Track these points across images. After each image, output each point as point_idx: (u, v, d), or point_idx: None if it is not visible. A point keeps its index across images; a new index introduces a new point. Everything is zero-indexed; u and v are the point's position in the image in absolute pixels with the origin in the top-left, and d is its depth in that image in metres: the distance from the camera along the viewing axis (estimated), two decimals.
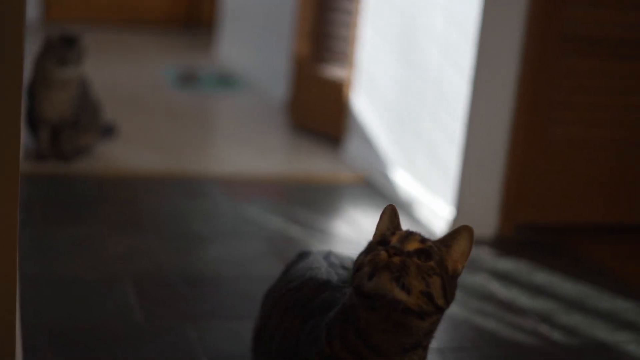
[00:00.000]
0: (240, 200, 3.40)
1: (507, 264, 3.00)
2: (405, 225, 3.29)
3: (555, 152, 3.27)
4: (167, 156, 3.88)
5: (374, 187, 3.69)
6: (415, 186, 3.41)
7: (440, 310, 1.56)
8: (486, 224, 3.23)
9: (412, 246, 1.56)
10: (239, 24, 5.99)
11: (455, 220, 3.17)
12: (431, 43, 3.33)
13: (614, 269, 3.04)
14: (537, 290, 2.80)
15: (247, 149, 4.14)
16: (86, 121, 3.67)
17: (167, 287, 2.57)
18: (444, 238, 1.62)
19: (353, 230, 3.19)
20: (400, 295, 1.50)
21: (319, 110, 4.41)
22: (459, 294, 2.67)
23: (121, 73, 5.46)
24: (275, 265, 2.80)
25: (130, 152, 3.87)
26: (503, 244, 3.19)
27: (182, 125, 4.45)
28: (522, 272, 2.94)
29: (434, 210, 3.26)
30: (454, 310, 2.60)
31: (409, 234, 1.61)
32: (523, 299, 2.73)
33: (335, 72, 4.30)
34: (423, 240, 1.58)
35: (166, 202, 3.30)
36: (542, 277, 2.91)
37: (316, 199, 3.52)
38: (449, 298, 1.57)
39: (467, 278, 2.84)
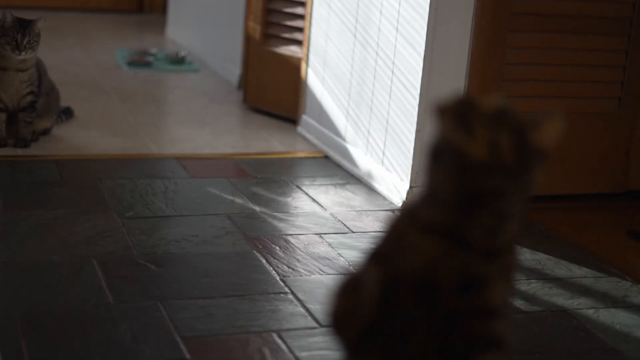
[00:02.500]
0: (201, 179, 3.42)
1: None
2: (364, 199, 3.33)
3: None
4: (125, 137, 3.88)
5: (330, 162, 3.73)
6: (372, 161, 3.46)
7: (507, 174, 1.44)
8: None
9: (489, 104, 1.48)
10: (189, 4, 5.97)
11: (410, 193, 3.22)
12: (385, 19, 3.37)
13: (567, 237, 3.11)
14: None
15: (204, 128, 4.15)
16: (43, 105, 3.66)
17: (135, 268, 2.58)
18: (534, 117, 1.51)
19: (313, 205, 3.23)
20: (461, 140, 1.43)
21: (274, 89, 4.43)
22: None
23: (74, 56, 5.43)
24: (240, 242, 2.83)
25: (87, 134, 3.87)
26: None
27: (137, 106, 4.44)
28: None
29: (391, 184, 3.31)
30: None
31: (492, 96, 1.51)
32: None
33: (288, 50, 4.32)
34: (502, 103, 1.48)
35: (127, 183, 3.31)
36: None
37: (274, 175, 3.55)
38: (522, 160, 1.45)
39: None
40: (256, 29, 4.45)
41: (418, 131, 3.20)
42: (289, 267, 2.67)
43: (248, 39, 4.55)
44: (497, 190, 1.45)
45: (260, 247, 2.81)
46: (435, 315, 1.51)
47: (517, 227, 1.53)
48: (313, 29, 3.98)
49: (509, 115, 1.46)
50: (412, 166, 3.23)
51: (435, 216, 1.49)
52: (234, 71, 5.01)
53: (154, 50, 5.62)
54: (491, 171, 1.43)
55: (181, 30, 6.10)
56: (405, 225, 1.55)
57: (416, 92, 3.18)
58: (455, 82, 3.21)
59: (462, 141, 1.42)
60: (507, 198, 1.47)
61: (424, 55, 3.14)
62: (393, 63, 3.32)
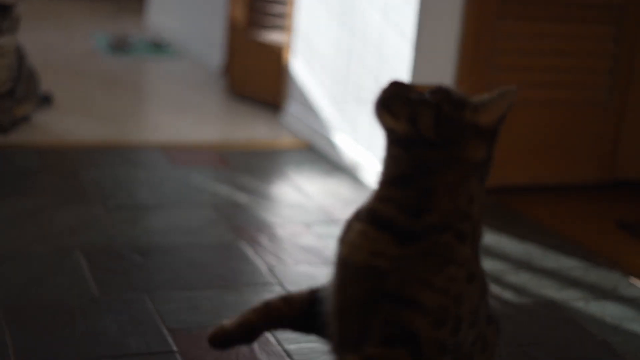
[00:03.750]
0: (183, 168, 3.38)
1: None
2: (350, 188, 3.30)
3: None
4: (105, 124, 3.83)
5: (315, 151, 3.70)
6: (358, 150, 3.43)
7: (428, 144, 1.51)
8: None
9: (424, 88, 1.57)
10: None
11: None
12: (371, 6, 3.33)
13: (556, 228, 3.10)
14: (483, 251, 2.83)
15: (186, 115, 4.10)
16: (23, 91, 3.59)
17: (119, 259, 2.54)
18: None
19: (298, 195, 3.19)
20: (388, 119, 1.53)
21: (257, 76, 4.39)
22: None
23: (52, 41, 5.36)
24: (225, 232, 2.79)
25: (68, 121, 3.82)
26: None
27: (117, 93, 4.39)
28: None
29: (378, 172, 3.28)
30: None
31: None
32: None
33: (272, 36, 4.28)
34: (441, 86, 1.57)
35: (109, 171, 3.26)
36: (487, 237, 2.95)
37: (259, 164, 3.51)
38: (444, 133, 1.52)
39: None
40: (241, 16, 4.40)
41: None
42: (275, 257, 2.63)
43: (232, 26, 4.51)
44: (421, 163, 1.52)
45: (246, 237, 2.77)
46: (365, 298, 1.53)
47: (453, 206, 1.53)
48: (298, 16, 3.94)
49: (437, 94, 1.53)
50: None
51: (368, 202, 1.60)
52: (215, 57, 4.96)
53: (133, 35, 5.56)
54: (414, 144, 1.51)
55: (161, 15, 6.04)
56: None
57: (404, 79, 3.15)
58: (444, 70, 3.18)
59: (389, 121, 1.53)
60: (433, 172, 1.52)
61: (413, 42, 3.11)
62: (380, 49, 3.29)
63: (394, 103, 1.53)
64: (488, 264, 2.74)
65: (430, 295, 1.47)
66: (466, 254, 1.52)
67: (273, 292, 2.41)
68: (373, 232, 1.53)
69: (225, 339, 1.81)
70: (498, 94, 1.56)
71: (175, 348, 2.07)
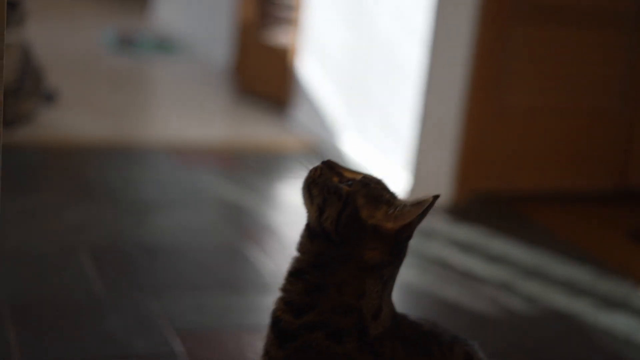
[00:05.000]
0: (189, 167, 3.35)
1: (463, 232, 3.01)
2: None
3: (509, 119, 3.29)
4: (111, 123, 3.81)
5: (322, 153, 3.67)
6: (367, 153, 3.40)
7: (327, 238, 1.47)
8: (441, 192, 3.22)
9: (350, 174, 1.52)
10: None
11: (412, 188, 3.17)
12: (383, 9, 3.31)
13: (567, 236, 3.07)
14: (494, 258, 2.82)
15: (193, 114, 4.08)
16: (29, 87, 3.57)
17: (125, 258, 2.51)
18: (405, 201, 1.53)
19: None
20: (306, 200, 1.50)
21: (264, 76, 4.37)
22: (418, 262, 2.69)
23: (58, 37, 5.33)
24: (230, 234, 2.77)
25: (74, 118, 3.79)
26: (458, 211, 3.20)
27: (123, 91, 4.36)
28: (479, 240, 2.95)
29: (387, 178, 3.25)
30: (415, 277, 2.60)
31: (367, 173, 1.55)
32: (481, 267, 2.74)
33: (280, 37, 4.26)
34: (367, 176, 1.52)
35: (115, 170, 3.24)
36: (498, 244, 2.93)
37: (265, 166, 3.49)
38: (342, 231, 1.46)
39: (425, 246, 2.85)
40: (250, 16, 4.38)
41: (418, 125, 3.14)
42: (280, 259, 2.61)
43: (241, 26, 4.48)
44: (318, 256, 1.50)
45: (252, 239, 2.75)
46: None
47: (337, 302, 1.48)
48: (308, 17, 3.92)
49: (355, 186, 1.49)
50: (411, 161, 3.17)
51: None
52: (222, 55, 4.93)
53: (140, 33, 5.54)
54: (316, 234, 1.49)
55: (167, 12, 6.02)
56: None
57: (415, 85, 3.12)
58: (457, 75, 3.15)
59: (306, 203, 1.51)
60: (326, 267, 1.49)
61: (426, 48, 3.08)
62: (392, 53, 3.26)
63: (316, 186, 1.49)
64: (498, 271, 2.72)
65: None
66: (342, 350, 1.49)
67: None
68: (268, 329, 1.54)
69: None
70: (413, 203, 1.47)
71: (180, 349, 2.05)
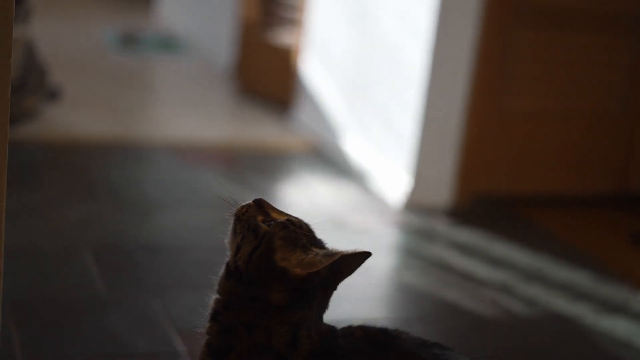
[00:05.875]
0: (191, 167, 3.36)
1: (463, 234, 3.01)
2: (359, 191, 3.28)
3: (511, 122, 3.29)
4: (114, 121, 3.81)
5: (324, 154, 3.68)
6: (368, 154, 3.40)
7: (238, 278, 1.50)
8: (442, 194, 3.24)
9: (277, 214, 1.54)
10: None
11: (413, 190, 3.17)
12: (386, 11, 3.31)
13: (568, 239, 3.08)
14: (494, 261, 2.82)
15: (195, 113, 4.08)
16: (32, 84, 3.57)
17: (127, 257, 2.52)
18: (325, 247, 1.54)
19: (306, 198, 3.17)
20: (230, 238, 1.53)
21: (267, 76, 4.37)
22: (418, 264, 2.70)
23: (61, 35, 5.34)
24: None
25: (77, 116, 3.79)
26: (459, 213, 3.20)
27: (126, 89, 4.36)
28: (479, 242, 2.96)
29: (388, 179, 3.26)
30: (416, 279, 2.61)
31: (294, 216, 1.57)
32: (481, 270, 2.74)
33: (283, 37, 4.26)
34: (292, 219, 1.54)
35: (118, 168, 3.24)
36: (499, 247, 2.93)
37: (267, 166, 3.49)
38: (251, 270, 1.48)
39: (425, 248, 2.85)
40: (253, 16, 4.38)
41: (419, 127, 3.14)
42: None
43: (244, 26, 4.49)
44: (231, 295, 1.52)
45: None
46: None
47: (251, 343, 1.50)
48: (311, 18, 3.92)
49: (275, 227, 1.50)
50: (413, 163, 3.17)
51: None
52: (224, 54, 4.94)
53: (143, 31, 5.54)
54: (230, 273, 1.51)
55: (170, 11, 6.02)
56: None
57: (418, 87, 3.13)
58: (459, 78, 3.15)
59: (230, 239, 1.54)
60: (235, 307, 1.51)
61: (429, 50, 3.08)
62: (395, 55, 3.26)
63: (240, 222, 1.53)
64: (498, 273, 2.72)
65: None
66: None
67: None
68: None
69: None
70: (327, 254, 1.47)
71: (181, 348, 2.05)
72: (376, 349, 1.53)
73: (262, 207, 1.55)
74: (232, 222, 1.55)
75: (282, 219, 1.52)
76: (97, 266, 2.42)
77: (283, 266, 1.47)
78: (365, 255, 1.49)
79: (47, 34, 5.14)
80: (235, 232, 1.53)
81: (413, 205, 3.17)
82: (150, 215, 2.84)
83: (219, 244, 2.64)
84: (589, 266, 2.86)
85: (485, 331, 2.39)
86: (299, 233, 1.51)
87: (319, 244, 1.52)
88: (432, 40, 3.07)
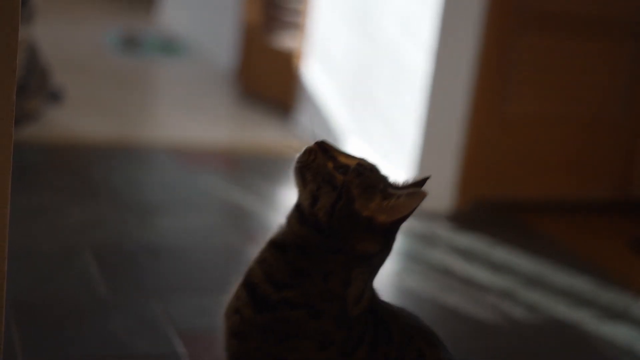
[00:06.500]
0: (192, 169, 3.36)
1: (465, 239, 3.01)
2: None
3: (512, 127, 3.29)
4: (116, 123, 3.81)
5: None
6: (370, 157, 3.40)
7: (318, 229, 1.44)
8: (444, 199, 3.24)
9: (345, 158, 1.49)
10: None
11: None
12: (389, 15, 3.31)
13: (569, 245, 3.08)
14: (496, 266, 2.82)
15: (196, 116, 4.08)
16: (34, 86, 3.57)
17: (128, 259, 2.52)
18: (399, 186, 1.50)
19: None
20: (298, 182, 1.48)
21: (269, 79, 4.37)
22: (420, 269, 2.70)
23: (63, 37, 5.34)
24: (233, 237, 2.77)
25: (79, 118, 3.79)
26: (460, 218, 3.20)
27: (128, 91, 4.37)
28: (481, 247, 2.96)
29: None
30: (417, 284, 2.60)
31: (361, 158, 1.52)
32: (483, 275, 2.74)
33: (286, 41, 4.26)
34: (362, 163, 1.49)
35: (119, 171, 3.24)
36: (500, 252, 2.93)
37: (268, 169, 3.49)
38: (335, 224, 1.43)
39: (427, 252, 2.85)
40: (255, 19, 4.39)
41: (421, 132, 3.14)
42: None
43: (246, 29, 4.49)
44: (306, 242, 1.47)
45: (255, 242, 2.75)
46: None
47: (322, 288, 1.46)
48: (314, 22, 3.92)
49: (351, 176, 1.46)
50: (414, 168, 3.17)
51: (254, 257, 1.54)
52: (225, 57, 4.94)
53: (145, 33, 5.54)
54: (307, 219, 1.46)
55: (172, 14, 6.02)
56: None
57: (420, 93, 3.13)
58: (461, 83, 3.15)
59: (298, 186, 1.49)
60: (312, 255, 1.47)
61: (431, 55, 3.08)
62: (397, 60, 3.27)
63: (309, 170, 1.47)
64: (500, 279, 2.72)
65: None
66: (320, 328, 1.47)
67: None
68: (241, 290, 1.51)
69: None
70: (408, 195, 1.44)
71: (182, 350, 2.05)
72: (405, 313, 1.54)
73: (327, 151, 1.50)
74: (297, 169, 1.49)
75: (351, 163, 1.48)
76: (99, 268, 2.42)
77: (368, 215, 1.43)
78: (426, 179, 1.49)
79: (49, 35, 5.14)
80: (305, 180, 1.47)
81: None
82: (151, 218, 2.84)
83: (220, 246, 2.65)
84: (589, 272, 2.86)
85: (486, 336, 2.39)
86: (374, 177, 1.47)
87: (392, 184, 1.49)
88: (434, 45, 3.07)
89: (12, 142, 1.30)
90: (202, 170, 3.35)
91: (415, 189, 1.46)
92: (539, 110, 3.32)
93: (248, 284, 1.51)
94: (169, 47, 5.37)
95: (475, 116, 3.20)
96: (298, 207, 1.49)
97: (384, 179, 1.49)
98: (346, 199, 1.43)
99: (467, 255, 2.89)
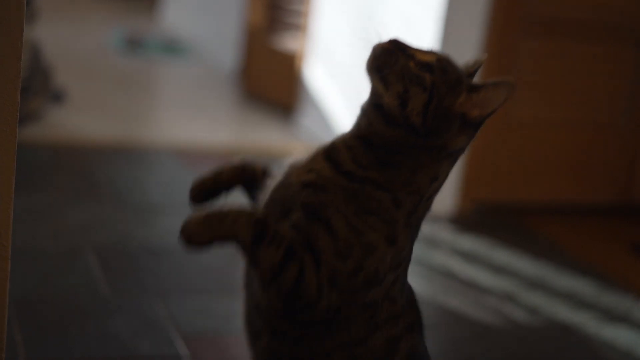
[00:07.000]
0: (195, 170, 3.36)
1: (467, 242, 3.02)
2: None
3: (514, 131, 3.29)
4: (118, 124, 3.81)
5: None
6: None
7: (410, 130, 1.43)
8: (446, 201, 3.24)
9: (422, 55, 1.46)
10: None
11: None
12: (392, 18, 3.31)
13: (571, 248, 3.08)
14: (498, 269, 2.82)
15: (199, 117, 4.08)
16: (37, 86, 3.57)
17: (131, 259, 2.52)
18: (481, 82, 1.49)
19: None
20: (378, 85, 1.45)
21: (271, 81, 4.37)
22: (422, 271, 2.70)
23: (66, 37, 5.34)
24: None
25: (81, 118, 3.80)
26: (462, 221, 3.20)
27: (131, 92, 4.37)
28: (483, 250, 2.96)
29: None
30: (419, 286, 2.61)
31: (435, 52, 1.49)
32: (484, 278, 2.74)
33: (288, 42, 4.26)
34: (441, 58, 1.47)
35: (122, 171, 3.24)
36: (502, 255, 2.93)
37: (273, 169, 3.49)
38: (429, 124, 1.42)
39: (429, 255, 2.85)
40: (259, 21, 4.39)
41: None
42: None
43: (250, 31, 4.49)
44: (396, 141, 1.45)
45: None
46: None
47: (409, 182, 1.46)
48: (316, 24, 3.93)
49: (436, 75, 1.44)
50: None
51: (336, 138, 1.53)
52: (229, 59, 4.94)
53: (148, 34, 5.55)
54: (395, 120, 1.43)
55: (175, 14, 6.03)
56: None
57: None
58: None
59: (379, 88, 1.45)
60: (404, 152, 1.45)
61: None
62: None
63: (390, 71, 1.43)
64: (501, 282, 2.72)
65: (343, 226, 1.41)
66: (396, 217, 1.46)
67: None
68: (320, 157, 1.50)
69: (201, 191, 1.74)
70: (495, 86, 1.45)
71: (185, 351, 2.05)
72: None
73: (405, 49, 1.46)
74: (374, 68, 1.46)
75: (430, 59, 1.46)
76: (101, 268, 2.42)
77: (461, 111, 1.44)
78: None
79: (52, 36, 5.15)
80: (387, 82, 1.44)
81: None
82: (154, 218, 2.84)
83: (222, 249, 2.65)
84: (591, 275, 2.87)
85: (488, 339, 2.39)
86: (456, 71, 1.47)
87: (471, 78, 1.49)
88: (437, 48, 3.08)
89: (16, 143, 1.31)
90: (204, 171, 3.35)
91: (497, 79, 1.47)
92: (541, 114, 3.32)
93: (331, 159, 1.48)
94: (172, 48, 5.38)
95: None
96: (380, 109, 1.46)
97: (462, 73, 1.49)
98: (438, 99, 1.42)
99: (469, 257, 2.89)
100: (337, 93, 3.71)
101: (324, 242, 1.42)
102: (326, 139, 3.72)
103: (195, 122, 4.00)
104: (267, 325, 1.50)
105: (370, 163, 1.46)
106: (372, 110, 1.47)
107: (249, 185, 1.67)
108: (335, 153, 1.49)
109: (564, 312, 2.57)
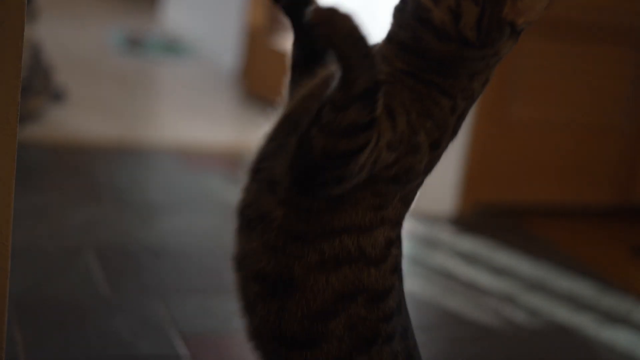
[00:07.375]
0: (195, 170, 3.36)
1: (466, 243, 3.02)
2: None
3: (515, 132, 3.29)
4: (119, 124, 3.81)
5: None
6: None
7: (464, 44, 1.44)
8: (445, 203, 3.24)
9: None
10: None
11: (416, 198, 3.16)
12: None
13: (571, 250, 3.08)
14: (498, 270, 2.82)
15: (199, 117, 4.08)
16: (37, 85, 3.57)
17: (131, 260, 2.52)
18: None
19: None
20: (431, 5, 1.43)
21: (272, 81, 4.37)
22: (422, 272, 2.70)
23: (66, 36, 5.34)
24: None
25: (81, 118, 3.79)
26: (462, 222, 3.20)
27: (132, 92, 4.37)
28: (483, 252, 2.96)
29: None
30: (419, 287, 2.61)
31: None
32: (484, 279, 2.74)
33: (289, 43, 4.26)
34: None
35: (122, 171, 3.24)
36: (502, 256, 2.93)
37: None
38: (483, 37, 1.44)
39: (428, 256, 2.85)
40: (260, 21, 4.39)
41: None
42: None
43: (251, 31, 4.49)
44: (447, 54, 1.46)
45: None
46: None
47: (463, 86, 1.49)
48: None
49: None
50: None
51: None
52: (230, 59, 4.94)
53: (148, 34, 5.55)
54: (445, 35, 1.44)
55: (176, 14, 6.03)
56: None
57: None
58: None
59: (427, 2, 1.44)
60: (458, 61, 1.47)
61: None
62: None
63: None
64: (501, 283, 2.72)
65: (404, 122, 1.43)
66: (450, 123, 1.47)
67: None
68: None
69: None
70: None
71: (185, 352, 2.05)
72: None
73: None
74: None
75: None
76: (101, 268, 2.42)
77: (510, 19, 1.47)
78: None
79: (52, 35, 5.15)
80: None
81: (417, 213, 3.17)
82: (154, 219, 2.84)
83: (224, 248, 2.64)
84: (591, 277, 2.87)
85: (487, 340, 2.39)
86: None
87: None
88: None
89: (17, 143, 1.31)
90: (205, 172, 3.35)
91: None
92: (541, 116, 3.32)
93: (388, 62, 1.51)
94: (173, 48, 5.38)
95: (478, 121, 3.20)
96: (428, 23, 1.45)
97: None
98: (489, 11, 1.44)
99: (469, 259, 2.89)
100: None
101: (385, 129, 1.43)
102: None
103: (196, 122, 4.00)
104: (283, 194, 1.49)
105: (432, 68, 1.48)
106: (418, 25, 1.47)
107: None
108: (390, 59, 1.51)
109: (563, 314, 2.57)
